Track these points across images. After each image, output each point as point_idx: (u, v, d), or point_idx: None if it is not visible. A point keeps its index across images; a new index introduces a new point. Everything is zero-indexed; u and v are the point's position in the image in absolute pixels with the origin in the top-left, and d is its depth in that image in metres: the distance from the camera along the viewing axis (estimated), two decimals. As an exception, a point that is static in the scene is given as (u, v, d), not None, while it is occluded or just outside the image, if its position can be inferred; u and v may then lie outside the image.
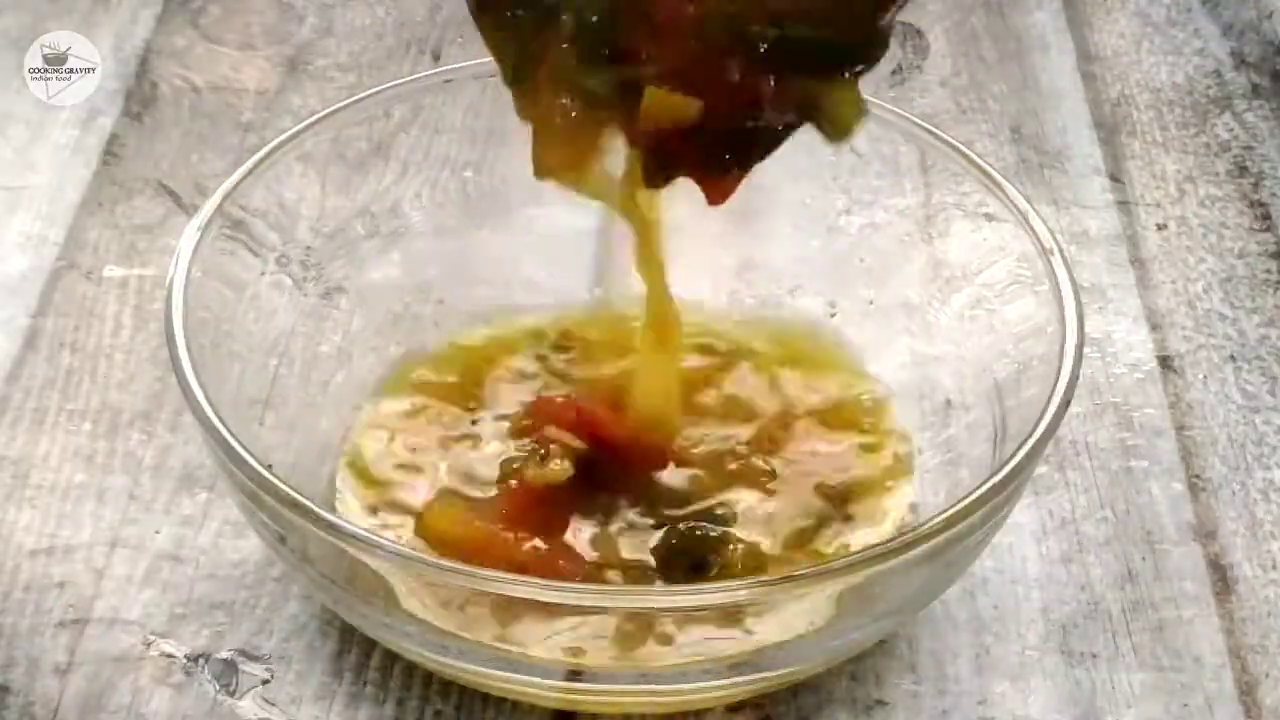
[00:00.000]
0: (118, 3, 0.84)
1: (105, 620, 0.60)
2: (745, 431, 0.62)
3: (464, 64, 0.70)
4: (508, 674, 0.54)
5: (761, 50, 0.52)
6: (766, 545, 0.59)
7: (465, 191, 0.68)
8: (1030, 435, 0.55)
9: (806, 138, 0.66)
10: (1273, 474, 0.66)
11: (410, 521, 0.59)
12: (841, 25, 0.52)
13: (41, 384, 0.67)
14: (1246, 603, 0.62)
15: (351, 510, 0.60)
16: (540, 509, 0.58)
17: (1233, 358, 0.70)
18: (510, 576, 0.54)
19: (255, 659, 0.59)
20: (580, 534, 0.59)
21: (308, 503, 0.53)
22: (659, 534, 0.59)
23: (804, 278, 0.67)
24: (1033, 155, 0.78)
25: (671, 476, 0.61)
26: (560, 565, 0.56)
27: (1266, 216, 0.76)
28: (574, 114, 0.54)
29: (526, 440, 0.60)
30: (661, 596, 0.55)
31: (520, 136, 0.68)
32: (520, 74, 0.54)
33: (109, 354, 0.68)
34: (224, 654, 0.59)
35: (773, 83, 0.53)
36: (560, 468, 0.58)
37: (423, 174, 0.68)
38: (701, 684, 0.55)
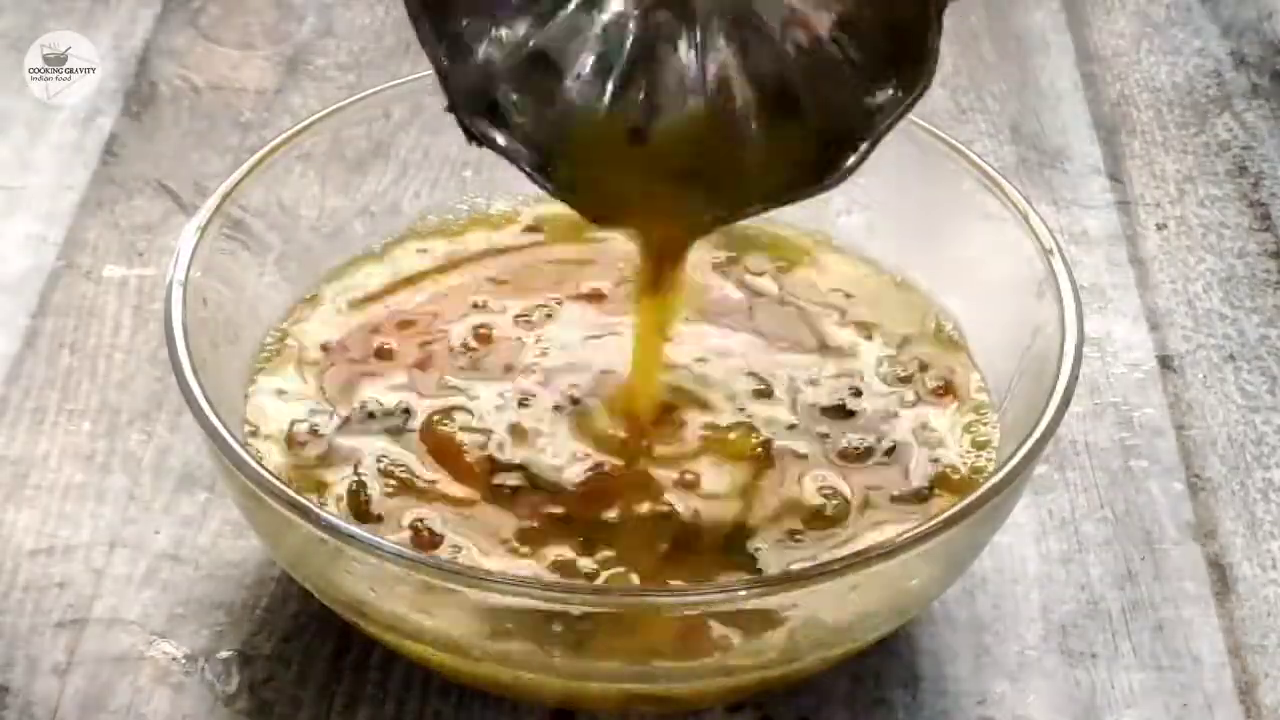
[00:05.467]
0: (118, 3, 0.84)
1: (105, 620, 0.60)
2: None
3: (464, 64, 0.70)
4: (512, 671, 0.54)
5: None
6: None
7: (465, 191, 0.68)
8: (1030, 435, 0.55)
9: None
10: (1273, 474, 0.66)
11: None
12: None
13: (41, 384, 0.67)
14: (1246, 602, 0.62)
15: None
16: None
17: (1232, 357, 0.70)
18: (513, 577, 0.54)
19: (255, 659, 0.59)
20: None
21: (308, 503, 0.53)
22: None
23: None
24: (1032, 155, 0.78)
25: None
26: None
27: (1266, 216, 0.76)
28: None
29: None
30: (660, 597, 0.55)
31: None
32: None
33: (109, 354, 0.68)
34: (224, 654, 0.59)
35: None
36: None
37: (422, 174, 0.68)
38: (701, 683, 0.55)
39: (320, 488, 0.58)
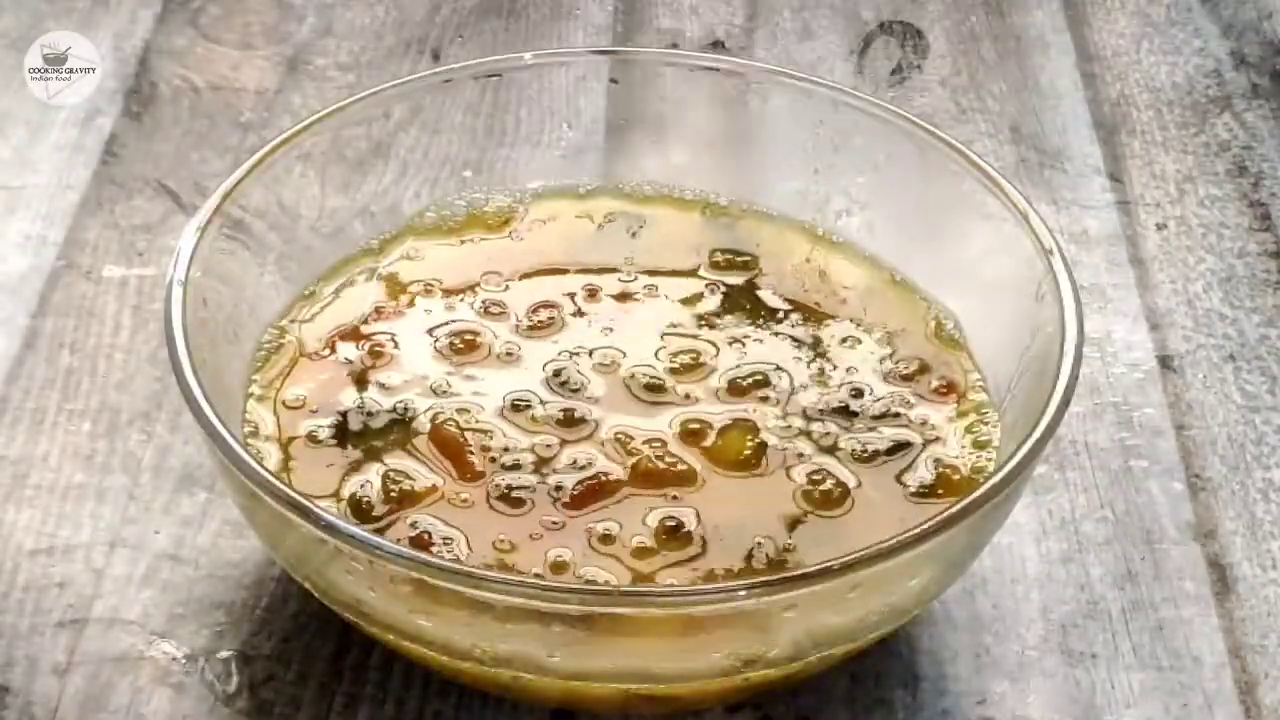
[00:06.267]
0: (118, 3, 0.84)
1: (105, 620, 0.60)
2: None
3: (464, 64, 0.70)
4: (511, 672, 0.54)
5: None
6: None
7: (465, 191, 0.68)
8: (1030, 435, 0.55)
9: (803, 139, 0.66)
10: (1272, 474, 0.66)
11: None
12: None
13: (41, 384, 0.67)
14: (1246, 602, 0.62)
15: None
16: None
17: (1232, 357, 0.70)
18: (513, 578, 0.54)
19: (255, 659, 0.59)
20: None
21: (307, 503, 0.53)
22: None
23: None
24: (1032, 155, 0.78)
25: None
26: None
27: (1266, 216, 0.76)
28: None
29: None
30: (660, 597, 0.55)
31: (520, 136, 0.68)
32: None
33: (109, 354, 0.68)
34: (224, 654, 0.59)
35: None
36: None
37: (422, 174, 0.68)
38: (701, 684, 0.55)
39: (320, 488, 0.58)
